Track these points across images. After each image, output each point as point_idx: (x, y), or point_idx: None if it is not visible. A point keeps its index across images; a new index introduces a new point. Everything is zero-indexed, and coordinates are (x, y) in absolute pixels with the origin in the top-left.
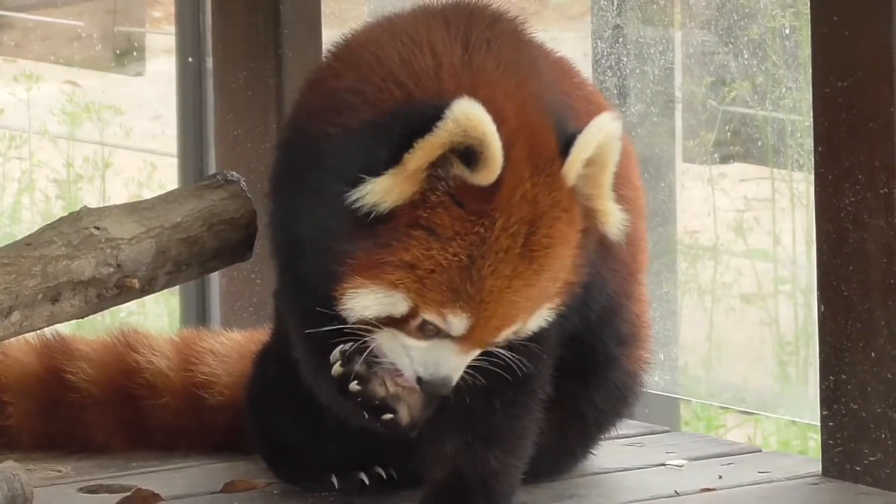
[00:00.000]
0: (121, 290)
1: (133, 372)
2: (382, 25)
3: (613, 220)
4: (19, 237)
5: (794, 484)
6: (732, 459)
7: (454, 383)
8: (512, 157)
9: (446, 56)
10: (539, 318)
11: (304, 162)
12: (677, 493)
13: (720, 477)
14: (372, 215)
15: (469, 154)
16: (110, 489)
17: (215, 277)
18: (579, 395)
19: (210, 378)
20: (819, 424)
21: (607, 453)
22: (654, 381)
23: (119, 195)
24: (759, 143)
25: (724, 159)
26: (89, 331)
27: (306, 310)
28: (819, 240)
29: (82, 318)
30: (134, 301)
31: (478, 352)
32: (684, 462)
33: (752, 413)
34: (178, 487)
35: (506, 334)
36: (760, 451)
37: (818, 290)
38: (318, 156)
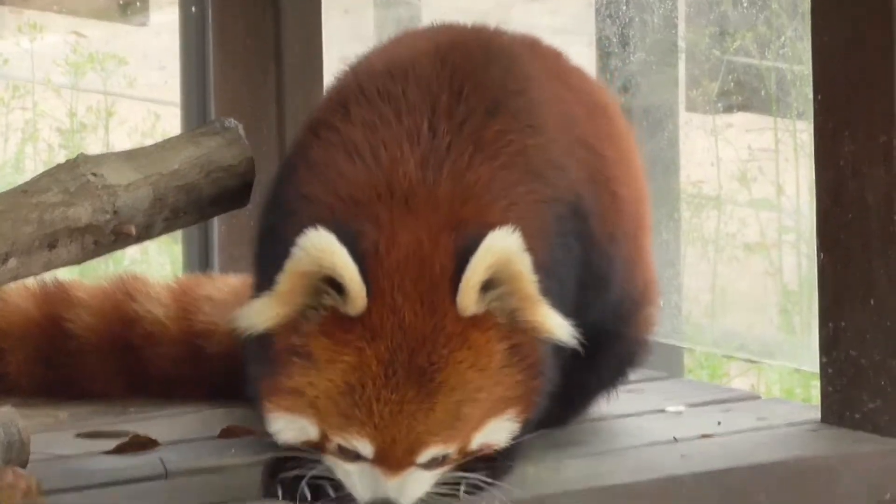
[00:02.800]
0: (117, 236)
1: (131, 321)
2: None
3: (553, 326)
4: None
5: (792, 430)
6: (731, 406)
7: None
8: (383, 286)
9: (366, 168)
10: (499, 427)
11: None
12: (676, 439)
13: (719, 423)
14: (258, 336)
15: (337, 285)
16: (107, 435)
17: (215, 224)
18: (583, 369)
19: (208, 326)
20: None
21: (607, 400)
22: (656, 329)
23: (122, 145)
24: (763, 92)
25: (728, 109)
26: (92, 277)
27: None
28: (818, 189)
29: (79, 264)
30: (136, 248)
31: (418, 471)
32: (683, 408)
33: (756, 361)
34: (176, 433)
35: (428, 455)
36: (760, 398)
37: (817, 238)
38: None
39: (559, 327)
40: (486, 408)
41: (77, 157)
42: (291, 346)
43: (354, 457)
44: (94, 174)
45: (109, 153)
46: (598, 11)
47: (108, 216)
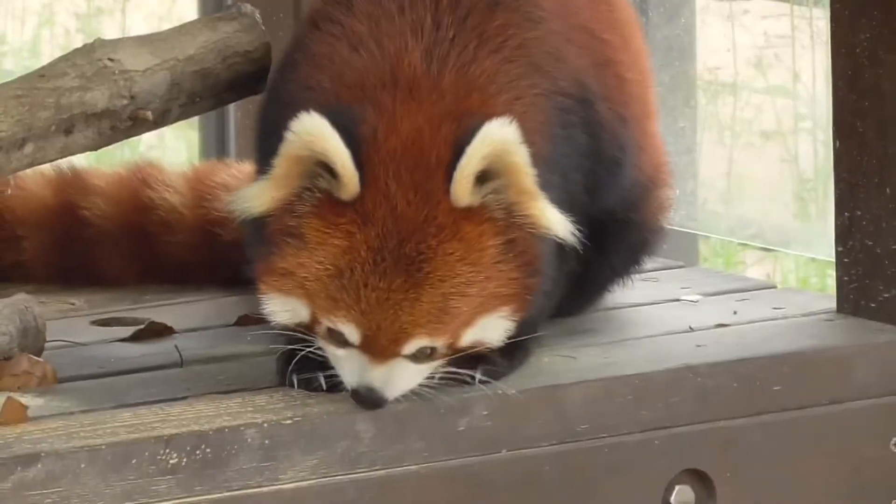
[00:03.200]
0: (134, 122)
1: (147, 208)
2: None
3: (550, 222)
4: None
5: (808, 320)
6: (747, 295)
7: (389, 396)
8: (378, 172)
9: (372, 57)
10: (490, 326)
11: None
12: (691, 328)
13: (735, 312)
14: (255, 219)
15: (329, 169)
16: (123, 322)
17: (232, 110)
18: (596, 258)
19: (224, 214)
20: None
21: (622, 288)
22: (672, 216)
23: (139, 29)
24: None
25: None
26: (108, 164)
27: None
28: (834, 75)
29: (95, 150)
30: (152, 135)
31: (404, 362)
32: (699, 297)
33: (771, 249)
34: (192, 320)
35: (413, 347)
36: (776, 287)
37: (833, 126)
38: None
39: (557, 223)
40: (477, 304)
41: (94, 41)
42: (285, 228)
43: (342, 342)
44: (111, 59)
45: (126, 38)
46: None
47: (124, 101)
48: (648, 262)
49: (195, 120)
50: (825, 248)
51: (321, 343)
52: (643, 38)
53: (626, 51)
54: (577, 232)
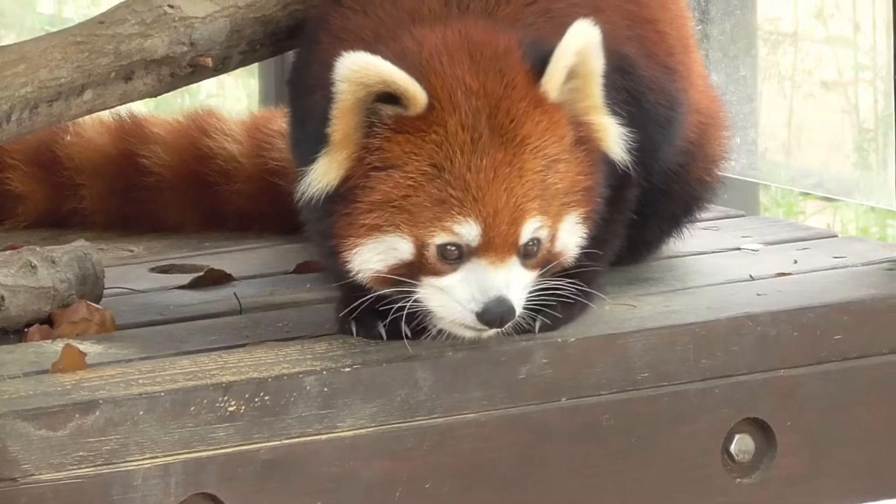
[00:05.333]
0: (194, 68)
1: (206, 158)
2: None
3: (610, 133)
4: None
5: (869, 269)
6: (808, 244)
7: (517, 306)
8: (437, 71)
9: (389, 14)
10: (570, 230)
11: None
12: (752, 277)
13: (795, 262)
14: (329, 193)
15: (389, 96)
16: (182, 269)
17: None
18: (650, 211)
19: (282, 164)
20: None
21: (682, 237)
22: (732, 165)
23: None
24: None
25: None
26: (168, 112)
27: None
28: None
29: (155, 96)
30: (212, 82)
31: (518, 265)
32: (760, 246)
33: (832, 199)
34: (251, 268)
35: (530, 230)
36: (836, 236)
37: (894, 75)
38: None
39: (616, 138)
40: (566, 187)
41: None
42: (367, 168)
43: (457, 256)
44: (171, 6)
45: None
46: None
47: (184, 48)
48: (709, 211)
49: (255, 67)
50: (885, 197)
51: (424, 284)
52: (684, 3)
53: (665, 10)
54: (629, 157)
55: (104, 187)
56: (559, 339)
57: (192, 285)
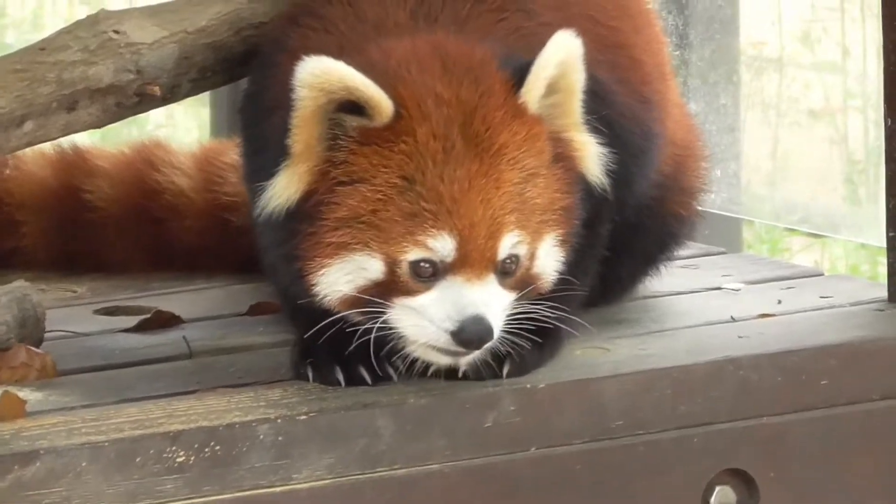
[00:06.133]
0: (141, 97)
1: (154, 192)
2: None
3: (589, 152)
4: None
5: (857, 310)
6: (793, 283)
7: (495, 327)
8: (405, 80)
9: (352, 28)
10: (548, 251)
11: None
12: (733, 319)
13: (779, 302)
14: (290, 209)
15: (353, 106)
16: (128, 311)
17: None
18: (623, 247)
19: (235, 199)
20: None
21: (661, 276)
22: (712, 199)
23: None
24: None
25: None
26: (113, 143)
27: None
28: (886, 49)
29: (100, 127)
30: (161, 112)
31: (495, 283)
32: (742, 286)
33: (819, 235)
34: (201, 309)
35: (508, 245)
36: (823, 274)
37: (885, 102)
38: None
39: (597, 156)
40: (544, 203)
41: (98, 12)
42: (332, 183)
43: (430, 276)
44: (117, 31)
45: (133, 9)
46: None
47: (131, 76)
48: (688, 248)
49: (206, 96)
50: (876, 233)
51: (396, 305)
52: (659, 26)
53: (639, 35)
54: (605, 181)
55: (46, 224)
56: (528, 385)
57: (139, 328)
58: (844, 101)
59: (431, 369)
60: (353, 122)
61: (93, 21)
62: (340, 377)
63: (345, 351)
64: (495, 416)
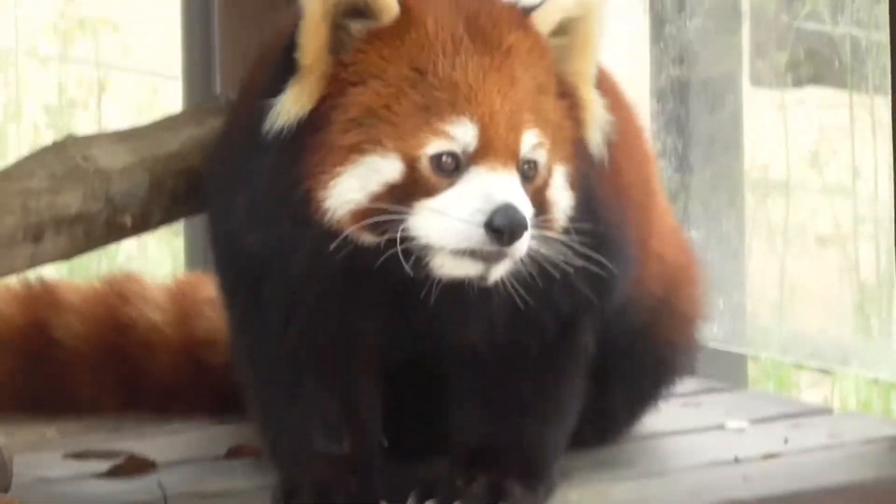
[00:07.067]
0: (111, 227)
1: (126, 327)
2: None
3: (594, 110)
4: None
5: (868, 449)
6: (800, 421)
7: (526, 214)
8: None
9: None
10: (561, 185)
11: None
12: (737, 460)
13: (786, 441)
14: (299, 125)
15: (358, 10)
16: (100, 455)
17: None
18: (609, 373)
19: (210, 334)
20: None
21: (659, 413)
22: (715, 332)
23: (117, 123)
24: (836, 63)
25: (798, 82)
26: (82, 276)
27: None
28: None
29: (68, 259)
30: (133, 242)
31: (519, 182)
32: (746, 424)
33: (829, 370)
34: (177, 452)
35: (530, 141)
36: (832, 411)
37: None
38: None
39: (601, 118)
40: (557, 120)
41: (65, 137)
42: (343, 86)
43: (453, 168)
44: (85, 157)
45: (101, 133)
46: None
47: (100, 204)
48: (689, 384)
49: (180, 225)
50: (889, 367)
51: (418, 213)
52: (647, 142)
53: (623, 143)
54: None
55: (12, 362)
56: None
57: (111, 473)
58: (855, 227)
59: None
60: (358, 25)
61: (60, 147)
62: None
63: (329, 494)
64: None
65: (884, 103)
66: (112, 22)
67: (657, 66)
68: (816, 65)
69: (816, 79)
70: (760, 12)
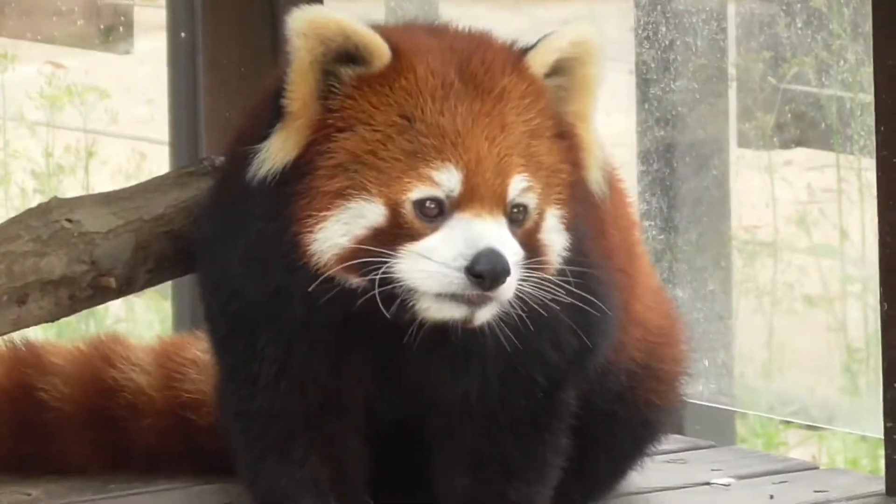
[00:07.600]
0: (96, 290)
1: (111, 390)
2: None
3: (594, 151)
4: None
5: None
6: (786, 477)
7: (511, 264)
8: (401, 33)
9: None
10: (555, 227)
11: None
12: None
13: (771, 497)
14: (286, 172)
15: (349, 55)
16: None
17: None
18: (591, 434)
19: (196, 396)
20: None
21: (645, 471)
22: (701, 390)
23: (104, 188)
24: (823, 125)
25: (785, 144)
26: (68, 338)
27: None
28: (882, 231)
29: (53, 321)
30: (120, 304)
31: (506, 226)
32: (732, 481)
33: (817, 428)
34: None
35: (518, 186)
36: (818, 468)
37: (881, 287)
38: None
39: (600, 154)
40: (551, 163)
41: (50, 200)
42: (329, 131)
43: (437, 215)
44: (69, 220)
45: (86, 196)
46: (636, 33)
47: (84, 267)
48: (675, 441)
49: (168, 288)
50: (877, 425)
51: (402, 251)
52: (630, 205)
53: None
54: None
55: None
56: None
57: None
58: (843, 287)
59: None
60: (348, 70)
61: (44, 209)
62: None
63: None
64: None
65: (870, 164)
66: (99, 89)
67: (643, 127)
68: (803, 126)
69: (803, 140)
70: (747, 74)
